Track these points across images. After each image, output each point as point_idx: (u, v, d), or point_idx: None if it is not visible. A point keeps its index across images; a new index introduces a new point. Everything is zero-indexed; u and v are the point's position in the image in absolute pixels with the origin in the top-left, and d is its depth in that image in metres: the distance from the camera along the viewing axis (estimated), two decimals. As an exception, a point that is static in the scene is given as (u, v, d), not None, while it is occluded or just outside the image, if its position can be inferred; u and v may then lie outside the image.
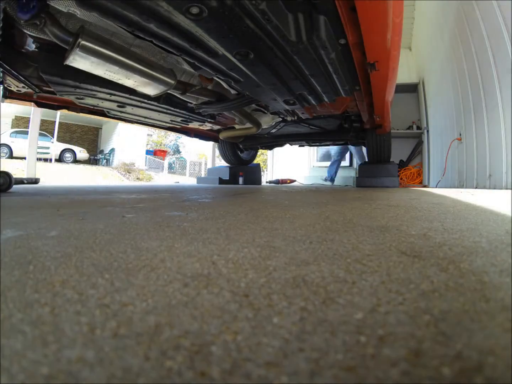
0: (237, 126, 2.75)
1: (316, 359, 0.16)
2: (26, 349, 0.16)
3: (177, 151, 18.11)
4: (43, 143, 8.39)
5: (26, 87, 1.67)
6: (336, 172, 4.40)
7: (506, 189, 2.01)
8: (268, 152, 7.01)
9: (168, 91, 1.87)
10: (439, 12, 3.40)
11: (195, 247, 0.38)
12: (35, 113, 3.20)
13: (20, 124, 10.33)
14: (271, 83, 1.53)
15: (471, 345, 0.17)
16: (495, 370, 0.14)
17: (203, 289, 0.25)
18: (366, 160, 3.01)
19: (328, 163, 6.06)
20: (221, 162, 5.13)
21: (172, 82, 1.56)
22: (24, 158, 6.48)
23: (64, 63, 1.20)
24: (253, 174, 3.74)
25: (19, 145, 8.63)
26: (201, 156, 15.92)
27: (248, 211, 0.72)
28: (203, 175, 3.07)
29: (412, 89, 4.83)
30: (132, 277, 0.27)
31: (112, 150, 10.99)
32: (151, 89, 1.62)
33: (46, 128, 9.82)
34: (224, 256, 0.34)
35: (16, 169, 6.30)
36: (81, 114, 2.27)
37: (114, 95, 1.78)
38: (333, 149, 4.24)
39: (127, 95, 1.78)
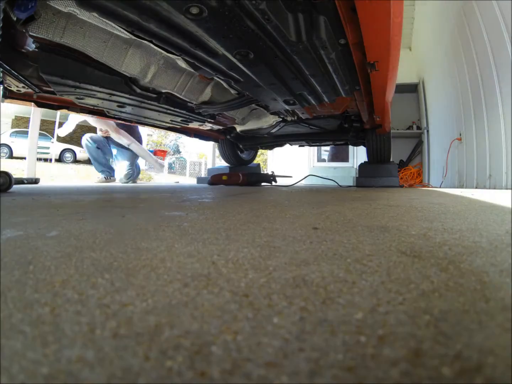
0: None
1: (316, 359, 0.16)
2: (26, 349, 0.16)
3: (177, 151, 18.10)
4: (43, 143, 8.39)
5: (26, 87, 1.67)
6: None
7: (506, 189, 2.01)
8: (268, 152, 7.02)
9: (168, 91, 1.88)
10: (439, 12, 3.40)
11: (195, 247, 0.38)
12: (35, 113, 3.21)
13: (20, 124, 10.32)
14: (271, 83, 1.53)
15: (471, 345, 0.17)
16: (495, 370, 0.14)
17: (203, 289, 0.25)
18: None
19: (329, 164, 6.07)
20: (221, 162, 5.12)
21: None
22: (24, 158, 6.47)
23: None
24: (253, 174, 3.73)
25: (19, 145, 8.62)
26: (201, 156, 15.91)
27: (248, 211, 0.72)
28: (203, 175, 3.07)
29: (412, 89, 4.83)
30: (132, 277, 0.27)
31: (112, 150, 10.98)
32: None
33: (46, 128, 9.80)
34: (224, 256, 0.34)
35: (16, 169, 6.30)
36: (81, 114, 2.27)
37: (114, 95, 1.78)
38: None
39: (127, 95, 1.78)
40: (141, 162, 4.00)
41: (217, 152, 4.15)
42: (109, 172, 3.46)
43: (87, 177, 8.15)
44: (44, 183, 2.76)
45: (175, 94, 1.89)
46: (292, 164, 6.10)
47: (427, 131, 4.41)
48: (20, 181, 2.36)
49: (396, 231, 0.48)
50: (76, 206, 0.83)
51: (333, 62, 1.31)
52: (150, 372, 0.15)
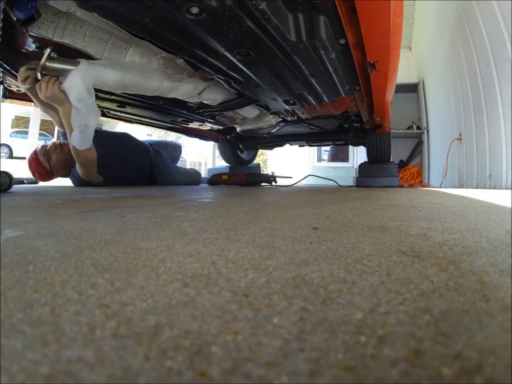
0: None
1: (316, 359, 0.16)
2: (26, 349, 0.16)
3: (177, 151, 18.07)
4: (43, 143, 8.37)
5: (26, 87, 1.66)
6: None
7: (506, 189, 2.01)
8: (268, 152, 7.02)
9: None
10: (439, 12, 3.40)
11: (195, 247, 0.38)
12: (35, 113, 3.20)
13: (20, 124, 10.32)
14: (271, 83, 1.53)
15: (471, 345, 0.17)
16: (495, 370, 0.14)
17: (203, 289, 0.25)
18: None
19: (329, 164, 6.07)
20: (221, 162, 5.13)
21: None
22: (24, 158, 6.48)
23: None
24: (253, 174, 3.72)
25: (19, 145, 8.61)
26: (201, 156, 15.92)
27: (248, 211, 0.72)
28: (203, 175, 3.09)
29: (412, 89, 4.83)
30: (132, 277, 0.27)
31: (112, 150, 10.95)
32: None
33: (46, 128, 9.80)
34: (224, 256, 0.34)
35: (16, 169, 6.30)
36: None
37: (114, 94, 1.78)
38: None
39: (127, 95, 1.78)
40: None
41: (217, 152, 4.15)
42: None
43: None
44: (44, 183, 2.76)
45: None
46: (292, 164, 6.10)
47: (427, 131, 4.42)
48: (20, 181, 2.36)
49: (396, 231, 0.48)
50: (76, 206, 0.83)
51: (333, 62, 1.31)
52: (150, 372, 0.15)
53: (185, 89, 1.68)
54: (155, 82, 1.55)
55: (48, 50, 1.31)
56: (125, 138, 2.29)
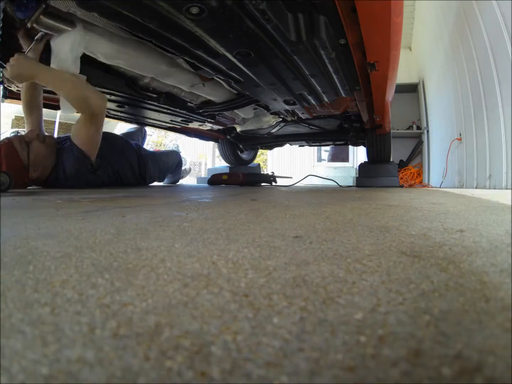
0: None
1: (316, 359, 0.16)
2: (26, 349, 0.16)
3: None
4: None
5: (26, 87, 1.66)
6: None
7: (506, 189, 2.00)
8: (268, 152, 7.02)
9: (169, 91, 1.88)
10: (439, 12, 3.40)
11: (195, 247, 0.38)
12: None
13: (20, 124, 10.31)
14: (271, 83, 1.53)
15: (471, 345, 0.17)
16: (495, 370, 0.14)
17: (203, 289, 0.25)
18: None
19: (329, 164, 6.07)
20: (221, 162, 5.13)
21: None
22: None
23: None
24: (253, 174, 3.72)
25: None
26: (201, 156, 15.91)
27: (248, 211, 0.72)
28: (203, 175, 3.08)
29: (412, 89, 4.83)
30: (132, 277, 0.27)
31: (112, 150, 10.95)
32: None
33: (46, 128, 9.78)
34: (224, 256, 0.34)
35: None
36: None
37: (114, 95, 1.78)
38: None
39: (127, 95, 1.78)
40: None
41: (217, 152, 4.15)
42: None
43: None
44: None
45: (175, 94, 1.89)
46: (292, 164, 6.10)
47: (427, 131, 4.42)
48: None
49: (396, 231, 0.48)
50: (76, 206, 0.83)
51: (333, 62, 1.31)
52: (150, 372, 0.15)
53: (181, 77, 1.62)
54: (152, 63, 1.47)
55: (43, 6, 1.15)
56: (111, 136, 2.17)
